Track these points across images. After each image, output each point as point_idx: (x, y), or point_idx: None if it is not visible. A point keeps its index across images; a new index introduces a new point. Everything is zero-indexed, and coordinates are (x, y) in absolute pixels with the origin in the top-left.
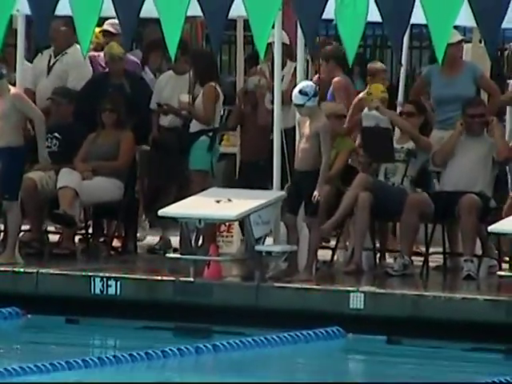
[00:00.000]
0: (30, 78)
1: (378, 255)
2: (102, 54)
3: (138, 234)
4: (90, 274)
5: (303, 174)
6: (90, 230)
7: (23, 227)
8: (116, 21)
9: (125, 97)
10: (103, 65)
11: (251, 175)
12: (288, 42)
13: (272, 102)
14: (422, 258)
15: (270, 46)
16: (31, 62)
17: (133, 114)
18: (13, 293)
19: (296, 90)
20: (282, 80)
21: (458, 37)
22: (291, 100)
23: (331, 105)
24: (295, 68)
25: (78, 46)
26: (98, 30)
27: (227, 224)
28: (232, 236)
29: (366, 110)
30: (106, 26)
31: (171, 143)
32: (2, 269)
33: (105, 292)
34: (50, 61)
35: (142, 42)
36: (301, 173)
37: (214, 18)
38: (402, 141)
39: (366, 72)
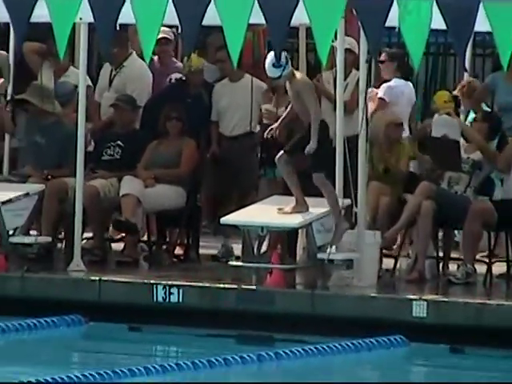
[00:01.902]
0: (97, 90)
1: (441, 263)
2: (156, 58)
3: None
4: (152, 281)
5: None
6: (153, 238)
7: (86, 234)
8: (165, 28)
9: (203, 106)
10: (158, 68)
11: (301, 183)
12: (357, 51)
13: (334, 110)
14: (486, 266)
15: (334, 53)
16: (90, 71)
17: (208, 123)
18: (75, 300)
19: (269, 65)
20: (346, 88)
21: None
22: (353, 109)
23: (389, 114)
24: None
25: (134, 56)
26: None
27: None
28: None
29: (436, 115)
30: (161, 34)
31: (232, 153)
32: (65, 276)
33: (167, 300)
34: (111, 74)
35: (207, 50)
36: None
37: (277, 25)
38: (468, 150)
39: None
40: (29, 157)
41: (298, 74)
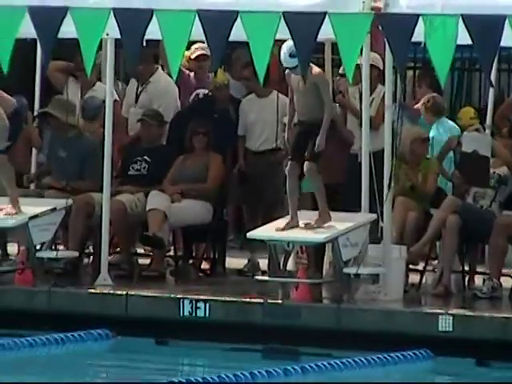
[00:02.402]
0: (124, 106)
1: (467, 278)
2: (192, 73)
3: None
4: (179, 296)
5: (309, 125)
6: (179, 253)
7: (112, 249)
8: (202, 44)
9: (230, 121)
10: (194, 84)
11: (329, 198)
12: (381, 67)
13: (360, 125)
14: (511, 281)
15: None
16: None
17: (235, 139)
18: (103, 314)
19: (286, 55)
20: (371, 104)
21: None
22: (379, 124)
23: (415, 129)
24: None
25: (160, 72)
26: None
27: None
28: (306, 258)
29: (465, 132)
30: (200, 51)
31: (258, 168)
32: (92, 291)
33: (194, 314)
34: (137, 90)
35: (232, 65)
36: (307, 123)
37: (303, 41)
38: (494, 165)
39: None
40: (52, 170)
41: (315, 68)
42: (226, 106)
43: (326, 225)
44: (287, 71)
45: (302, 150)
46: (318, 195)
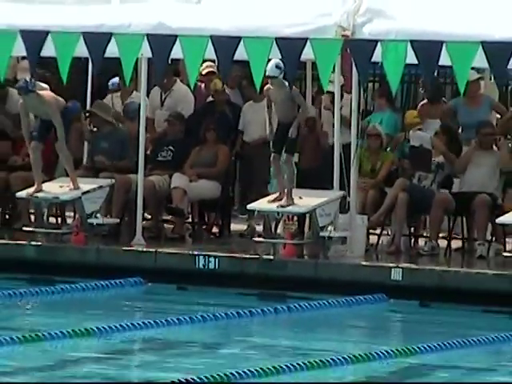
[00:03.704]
0: (149, 109)
1: (413, 240)
2: (202, 85)
3: None
4: (195, 252)
5: (287, 125)
6: (195, 220)
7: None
8: (211, 63)
9: (227, 120)
10: (203, 93)
11: (309, 179)
12: (343, 82)
13: (333, 124)
14: (446, 242)
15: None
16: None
17: (232, 133)
18: (137, 266)
19: (273, 66)
20: (342, 108)
21: (476, 75)
22: (349, 124)
23: (370, 127)
24: (350, 99)
25: (179, 82)
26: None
27: (290, 216)
28: (294, 225)
29: (411, 131)
30: (209, 68)
31: (253, 157)
32: (130, 248)
33: (206, 266)
34: (161, 96)
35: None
36: (285, 124)
37: (290, 60)
38: (434, 155)
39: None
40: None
41: (286, 82)
42: (224, 108)
43: (305, 199)
44: (266, 87)
45: (281, 143)
46: (288, 182)
